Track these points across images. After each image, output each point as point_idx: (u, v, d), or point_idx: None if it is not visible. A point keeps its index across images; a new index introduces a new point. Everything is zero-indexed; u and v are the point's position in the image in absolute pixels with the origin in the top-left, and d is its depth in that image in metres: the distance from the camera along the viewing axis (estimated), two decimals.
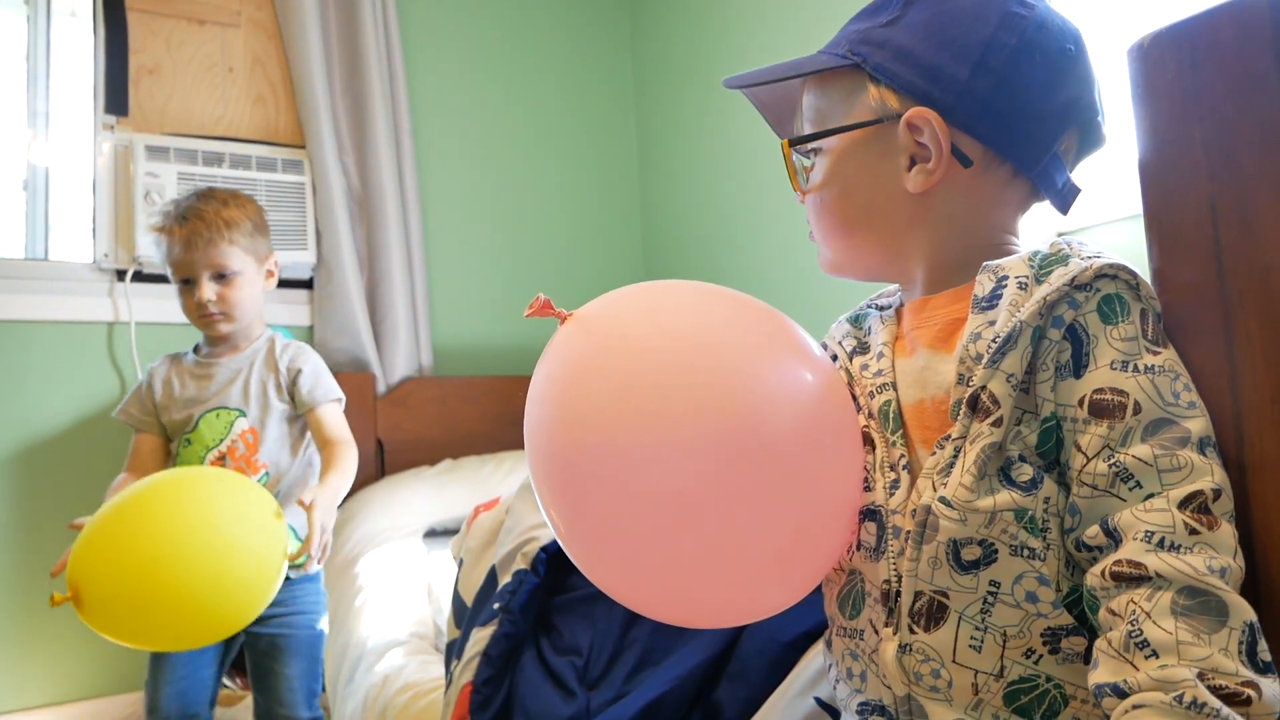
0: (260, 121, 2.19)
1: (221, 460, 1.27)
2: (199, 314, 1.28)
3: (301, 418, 1.35)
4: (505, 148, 2.52)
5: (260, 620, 1.28)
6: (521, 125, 2.55)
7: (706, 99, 2.37)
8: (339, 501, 1.24)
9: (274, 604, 1.26)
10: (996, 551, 0.49)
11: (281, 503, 1.30)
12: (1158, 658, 0.42)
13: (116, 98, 2.02)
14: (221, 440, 1.28)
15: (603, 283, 2.63)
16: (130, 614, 0.97)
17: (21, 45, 2.14)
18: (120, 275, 1.97)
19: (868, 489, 0.54)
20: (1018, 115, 0.54)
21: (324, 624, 1.37)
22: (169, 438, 1.33)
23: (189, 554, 0.97)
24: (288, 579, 1.29)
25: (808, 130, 0.61)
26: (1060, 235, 0.55)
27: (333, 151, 2.16)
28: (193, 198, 1.30)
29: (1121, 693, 0.42)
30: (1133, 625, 0.43)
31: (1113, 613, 0.45)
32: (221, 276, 1.27)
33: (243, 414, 1.30)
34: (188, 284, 1.27)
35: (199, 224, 1.25)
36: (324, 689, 1.36)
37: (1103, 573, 0.45)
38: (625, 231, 2.69)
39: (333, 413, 1.34)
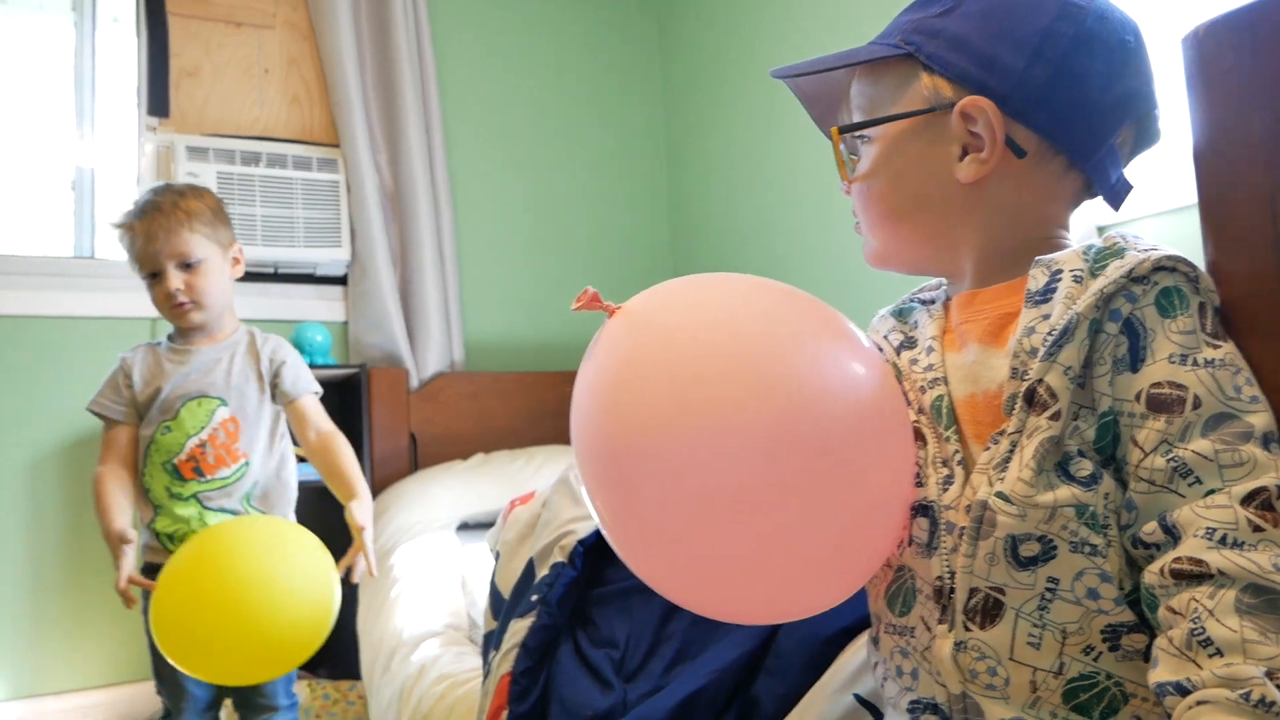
0: (295, 121, 2.22)
1: (202, 448, 1.28)
2: (170, 305, 1.29)
3: (277, 410, 1.36)
4: (535, 144, 2.53)
5: None
6: (551, 122, 2.56)
7: (735, 95, 2.36)
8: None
9: None
10: (1055, 548, 0.48)
11: (256, 492, 1.32)
12: (1222, 656, 0.41)
13: (158, 100, 2.06)
14: (202, 428, 1.29)
15: (632, 279, 2.63)
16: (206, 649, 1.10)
17: (69, 50, 2.20)
18: None
19: (919, 484, 0.54)
20: (1074, 106, 0.53)
21: None
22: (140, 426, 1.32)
23: (254, 603, 1.09)
24: None
25: (857, 119, 0.61)
26: (1099, 229, 0.55)
27: (366, 150, 2.19)
28: (150, 193, 1.31)
29: (1184, 690, 0.42)
30: (1195, 623, 0.42)
31: (1173, 611, 0.44)
32: (187, 265, 1.28)
33: (224, 403, 1.31)
34: (155, 277, 1.29)
35: (158, 215, 1.26)
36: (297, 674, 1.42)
37: (1161, 570, 0.45)
38: (654, 228, 2.69)
39: (315, 403, 1.37)
